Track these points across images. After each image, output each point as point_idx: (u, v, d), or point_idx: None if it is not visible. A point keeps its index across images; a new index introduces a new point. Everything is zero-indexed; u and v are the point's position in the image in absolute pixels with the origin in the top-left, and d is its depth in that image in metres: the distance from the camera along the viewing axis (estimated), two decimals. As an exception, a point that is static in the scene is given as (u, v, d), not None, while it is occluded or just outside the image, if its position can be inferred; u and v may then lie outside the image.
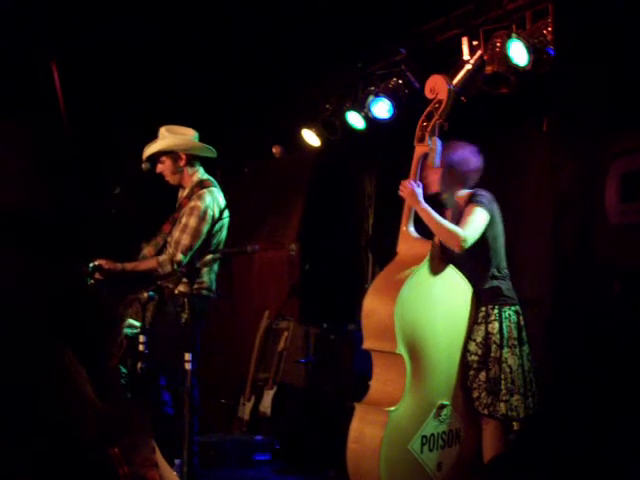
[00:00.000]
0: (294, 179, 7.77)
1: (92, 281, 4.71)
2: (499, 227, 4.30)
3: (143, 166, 5.12)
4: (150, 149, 5.03)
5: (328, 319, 6.77)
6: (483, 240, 4.22)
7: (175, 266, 4.78)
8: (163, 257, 4.85)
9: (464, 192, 4.35)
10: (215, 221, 4.88)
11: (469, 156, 4.35)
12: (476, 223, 4.16)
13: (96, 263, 4.74)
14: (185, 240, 4.82)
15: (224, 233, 4.99)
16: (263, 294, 7.86)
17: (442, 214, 4.32)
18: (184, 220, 4.87)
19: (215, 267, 4.95)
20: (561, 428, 4.53)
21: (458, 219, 4.25)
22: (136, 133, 5.24)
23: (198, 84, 6.65)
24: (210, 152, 5.11)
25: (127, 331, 4.67)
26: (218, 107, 6.84)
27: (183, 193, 5.09)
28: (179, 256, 4.79)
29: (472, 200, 4.25)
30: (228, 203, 5.00)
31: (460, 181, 4.34)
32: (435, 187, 4.37)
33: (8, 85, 6.25)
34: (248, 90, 6.69)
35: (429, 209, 4.18)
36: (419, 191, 4.21)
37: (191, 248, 4.83)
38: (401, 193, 4.26)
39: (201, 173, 5.08)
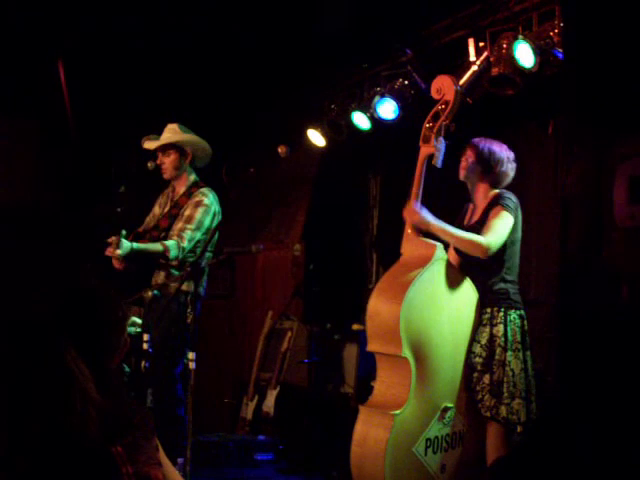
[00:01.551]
0: (299, 179, 7.77)
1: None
2: (519, 233, 4.26)
3: (149, 165, 5.16)
4: (167, 138, 5.08)
5: (332, 319, 6.77)
6: None
7: (180, 252, 4.82)
8: (170, 241, 4.86)
9: (492, 191, 4.32)
10: (218, 221, 4.95)
11: (510, 160, 4.34)
12: (501, 229, 4.12)
13: (124, 233, 4.76)
14: (189, 230, 4.89)
15: (216, 236, 5.01)
16: (267, 294, 7.86)
17: (465, 207, 4.34)
18: (188, 212, 4.94)
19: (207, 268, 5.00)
20: (565, 431, 4.52)
21: (480, 215, 4.26)
22: (141, 132, 5.24)
23: (204, 83, 6.65)
24: (205, 162, 5.21)
25: (131, 330, 4.67)
26: (224, 106, 6.85)
27: (178, 191, 5.13)
28: (185, 242, 4.85)
29: (500, 202, 4.19)
30: (233, 202, 5.06)
31: (487, 176, 4.31)
32: (462, 174, 4.37)
33: (16, 83, 6.26)
34: (254, 90, 6.69)
35: (444, 226, 4.12)
36: (425, 212, 4.16)
37: (194, 238, 4.88)
38: (408, 220, 4.21)
39: (195, 175, 5.17)
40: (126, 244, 4.70)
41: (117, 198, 5.14)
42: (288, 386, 6.53)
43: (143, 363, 4.20)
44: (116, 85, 6.57)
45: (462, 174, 4.38)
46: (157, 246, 4.87)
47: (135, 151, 5.38)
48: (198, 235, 4.91)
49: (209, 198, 5.01)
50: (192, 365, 4.07)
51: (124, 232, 4.74)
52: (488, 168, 4.29)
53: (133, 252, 4.74)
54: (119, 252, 4.67)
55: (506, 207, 4.16)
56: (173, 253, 4.81)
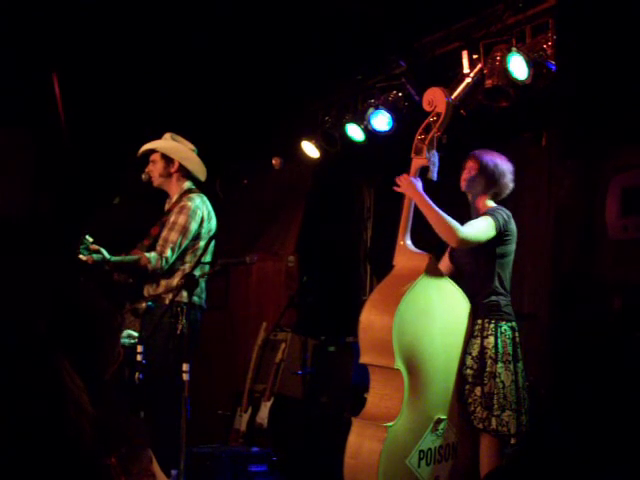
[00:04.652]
0: (293, 191, 7.77)
1: (86, 253, 4.71)
2: (511, 246, 4.27)
3: (143, 177, 5.17)
4: (147, 145, 5.15)
5: (326, 331, 6.76)
6: (491, 254, 4.20)
7: (163, 262, 4.82)
8: (151, 253, 4.86)
9: (489, 203, 4.35)
10: (209, 227, 4.95)
11: (511, 172, 4.35)
12: (479, 228, 4.14)
13: (90, 240, 4.76)
14: (173, 237, 4.89)
15: (212, 245, 5.00)
16: (261, 305, 7.85)
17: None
18: (172, 218, 4.95)
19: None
20: (558, 442, 4.52)
21: None
22: (136, 144, 5.26)
23: (198, 95, 6.66)
24: (201, 173, 5.20)
25: (125, 341, 4.66)
26: (218, 118, 6.85)
27: (171, 200, 5.15)
28: (167, 252, 4.85)
29: (487, 212, 4.25)
30: (227, 213, 5.05)
31: (490, 189, 4.34)
32: (464, 185, 4.39)
33: (10, 95, 6.26)
34: (248, 102, 6.70)
35: (429, 200, 4.15)
36: (418, 183, 4.20)
37: (179, 245, 4.89)
38: (398, 188, 4.25)
39: (189, 184, 5.14)
40: (103, 252, 4.73)
41: (111, 209, 5.13)
42: (282, 398, 6.52)
43: (137, 375, 4.18)
44: (111, 96, 6.57)
45: (464, 185, 4.40)
46: (134, 257, 4.88)
47: (129, 162, 5.39)
48: (184, 241, 4.91)
49: (194, 202, 4.98)
50: (186, 376, 4.06)
51: (89, 239, 4.74)
52: (492, 180, 4.32)
53: (111, 263, 4.75)
54: (93, 257, 4.69)
55: (491, 215, 4.19)
56: (153, 264, 4.82)
